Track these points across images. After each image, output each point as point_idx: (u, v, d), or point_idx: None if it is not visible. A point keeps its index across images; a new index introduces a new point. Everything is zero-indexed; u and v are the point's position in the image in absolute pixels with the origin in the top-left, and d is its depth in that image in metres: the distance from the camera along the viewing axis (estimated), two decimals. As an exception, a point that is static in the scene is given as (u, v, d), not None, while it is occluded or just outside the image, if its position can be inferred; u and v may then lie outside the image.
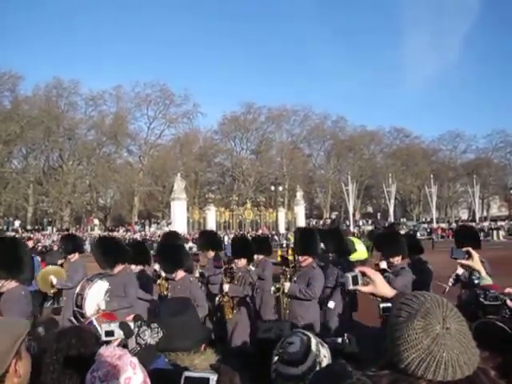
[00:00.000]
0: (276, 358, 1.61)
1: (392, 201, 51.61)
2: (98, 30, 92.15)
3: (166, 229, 42.18)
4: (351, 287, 1.84)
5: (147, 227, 45.08)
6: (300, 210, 50.51)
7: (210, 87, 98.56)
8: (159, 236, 39.96)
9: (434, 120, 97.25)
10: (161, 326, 1.63)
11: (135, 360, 1.39)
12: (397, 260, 5.35)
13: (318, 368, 1.60)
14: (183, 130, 60.41)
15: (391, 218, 44.91)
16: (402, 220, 52.70)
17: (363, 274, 1.85)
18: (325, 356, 1.66)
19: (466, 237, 5.28)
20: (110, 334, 1.59)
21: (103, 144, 55.20)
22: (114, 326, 1.59)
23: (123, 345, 1.59)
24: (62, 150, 53.25)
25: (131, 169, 55.95)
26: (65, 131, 52.46)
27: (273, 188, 45.45)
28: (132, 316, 1.66)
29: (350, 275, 1.85)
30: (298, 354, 1.61)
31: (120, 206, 59.22)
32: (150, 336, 1.54)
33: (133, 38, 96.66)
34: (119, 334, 1.59)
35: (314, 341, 1.65)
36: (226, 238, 36.14)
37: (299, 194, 51.10)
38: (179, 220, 42.39)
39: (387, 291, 1.79)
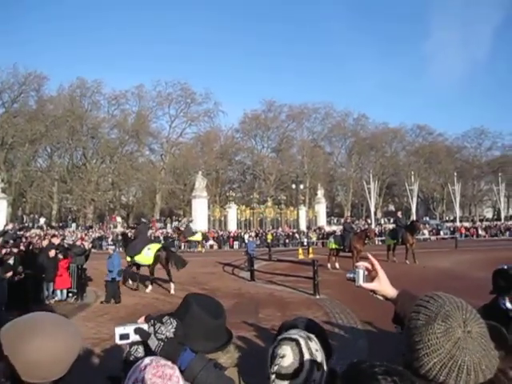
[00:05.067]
0: (274, 377, 1.60)
1: (414, 199, 50.94)
2: (121, 30, 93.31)
3: (188, 226, 42.52)
4: (361, 283, 1.79)
5: (169, 225, 45.45)
6: (321, 209, 50.26)
7: (231, 86, 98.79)
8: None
9: (457, 117, 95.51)
10: (193, 323, 1.65)
11: (177, 372, 1.40)
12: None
13: (315, 367, 1.59)
14: (204, 128, 60.80)
15: (413, 217, 44.27)
16: (424, 218, 51.88)
17: (368, 270, 1.80)
18: (316, 350, 1.64)
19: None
20: (124, 337, 1.60)
21: (126, 142, 55.91)
22: (129, 329, 1.60)
23: (144, 345, 1.61)
24: (85, 148, 54.12)
25: (153, 167, 56.54)
26: (88, 130, 53.33)
27: (294, 186, 45.29)
28: (143, 317, 1.67)
29: (361, 270, 1.80)
30: (293, 365, 1.58)
31: (142, 203, 59.95)
32: (166, 330, 1.56)
33: (154, 38, 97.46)
34: (134, 337, 1.60)
35: (302, 342, 1.63)
36: (246, 236, 36.26)
37: (320, 192, 50.85)
38: (200, 218, 42.66)
39: (389, 290, 1.76)
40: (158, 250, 14.19)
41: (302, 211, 47.27)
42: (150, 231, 23.30)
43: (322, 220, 49.52)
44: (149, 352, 1.53)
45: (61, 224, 46.52)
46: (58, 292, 12.46)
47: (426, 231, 42.17)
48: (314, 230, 44.66)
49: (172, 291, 13.50)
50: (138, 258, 14.13)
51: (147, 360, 1.41)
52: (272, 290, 13.77)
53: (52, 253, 12.35)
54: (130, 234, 19.44)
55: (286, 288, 13.93)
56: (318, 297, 12.18)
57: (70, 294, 12.77)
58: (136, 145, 56.84)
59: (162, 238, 36.28)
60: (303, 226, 45.48)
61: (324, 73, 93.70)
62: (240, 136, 63.57)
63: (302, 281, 13.68)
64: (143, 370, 1.36)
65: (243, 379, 1.75)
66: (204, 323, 1.66)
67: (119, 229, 37.29)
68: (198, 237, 33.17)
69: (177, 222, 46.13)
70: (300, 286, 13.48)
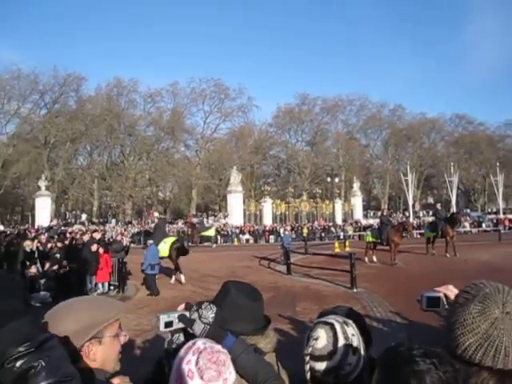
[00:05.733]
0: (308, 358, 1.61)
1: (454, 191, 49.48)
2: (154, 27, 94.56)
3: (223, 221, 42.93)
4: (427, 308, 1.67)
5: (205, 220, 46.04)
6: (357, 202, 49.66)
7: (264, 80, 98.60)
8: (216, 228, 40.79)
9: (498, 106, 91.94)
10: (232, 307, 1.70)
11: (229, 358, 1.41)
12: None
13: (350, 351, 1.60)
14: (238, 123, 61.07)
15: (453, 209, 43.05)
16: (465, 211, 50.37)
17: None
18: (353, 335, 1.64)
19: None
20: (169, 324, 1.65)
21: (161, 139, 56.88)
22: (173, 317, 1.65)
23: (184, 333, 1.65)
24: (123, 146, 55.44)
25: (188, 163, 57.27)
26: (125, 128, 54.58)
27: (329, 179, 44.84)
28: (183, 305, 1.72)
29: (427, 295, 1.66)
30: (327, 347, 1.59)
31: (178, 199, 60.97)
32: (208, 315, 1.60)
33: (187, 35, 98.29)
34: (178, 324, 1.64)
35: (337, 326, 1.63)
36: (281, 230, 36.28)
37: (356, 185, 50.23)
38: (236, 212, 42.98)
39: None
40: (173, 243, 14.94)
41: (338, 204, 46.85)
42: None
43: (358, 213, 48.92)
44: (190, 339, 1.57)
45: (101, 220, 47.90)
46: (100, 285, 12.86)
47: (466, 224, 41.00)
48: (351, 224, 44.21)
49: (183, 281, 14.28)
50: (161, 254, 14.52)
51: (200, 343, 1.41)
52: (308, 284, 13.73)
53: (94, 247, 12.76)
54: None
55: (323, 281, 13.84)
56: (355, 290, 12.06)
57: (112, 287, 13.16)
58: (171, 141, 57.72)
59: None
60: (339, 220, 45.08)
61: (358, 64, 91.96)
62: (274, 130, 63.51)
63: (338, 274, 13.56)
64: (197, 353, 1.37)
65: (281, 364, 1.78)
66: (243, 306, 1.71)
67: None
68: (211, 232, 33.44)
69: (213, 217, 46.67)
70: (337, 280, 13.37)
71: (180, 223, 40.62)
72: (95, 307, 1.47)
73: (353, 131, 63.66)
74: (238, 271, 16.51)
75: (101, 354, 1.43)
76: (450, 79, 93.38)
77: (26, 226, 37.34)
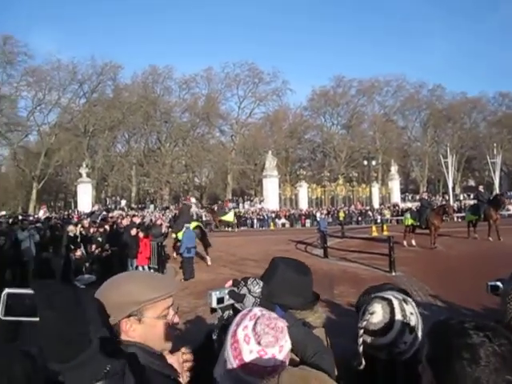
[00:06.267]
0: (362, 331, 1.60)
1: (497, 173, 47.66)
2: (185, 14, 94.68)
3: (259, 206, 43.10)
4: None
5: (241, 204, 46.33)
6: (395, 185, 48.74)
7: (299, 64, 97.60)
8: (252, 213, 41.02)
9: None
10: (281, 281, 1.72)
11: (286, 326, 1.36)
12: None
13: (407, 329, 1.57)
14: (273, 107, 60.76)
15: (496, 191, 41.57)
16: (509, 193, 48.49)
17: None
18: (411, 313, 1.61)
19: None
20: (220, 300, 1.68)
21: (197, 125, 57.37)
22: (223, 293, 1.67)
23: (233, 309, 1.68)
24: (159, 132, 56.29)
25: (224, 148, 57.58)
26: (161, 115, 55.31)
27: (365, 163, 44.12)
28: (231, 281, 1.74)
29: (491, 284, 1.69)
30: (382, 323, 1.57)
31: (214, 184, 61.57)
32: (257, 288, 1.62)
33: (220, 20, 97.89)
34: (229, 300, 1.67)
35: (395, 302, 1.60)
36: (318, 214, 36.09)
37: (394, 169, 49.25)
38: (271, 197, 43.05)
39: None
40: (195, 228, 15.31)
41: (375, 188, 46.13)
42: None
43: (395, 197, 48.03)
44: None
45: (140, 205, 48.99)
46: (140, 268, 13.21)
47: (510, 206, 39.57)
48: (388, 207, 43.50)
49: (209, 263, 14.89)
50: (180, 235, 14.74)
51: (256, 310, 1.38)
52: (346, 267, 13.66)
53: (133, 231, 13.09)
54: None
55: (360, 265, 13.73)
56: (394, 274, 11.90)
57: (152, 270, 13.50)
58: (207, 127, 58.13)
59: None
60: (376, 204, 44.41)
61: (394, 44, 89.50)
62: (309, 114, 62.88)
63: (376, 258, 13.43)
64: (254, 318, 1.33)
65: (330, 340, 1.79)
66: (291, 280, 1.72)
67: (194, 209, 38.49)
68: (229, 216, 33.57)
69: (248, 202, 46.90)
70: (375, 263, 13.24)
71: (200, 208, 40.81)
72: (141, 285, 1.42)
73: (390, 113, 62.20)
74: (274, 255, 16.30)
75: (140, 333, 1.39)
76: (491, 57, 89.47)
77: (69, 211, 38.70)
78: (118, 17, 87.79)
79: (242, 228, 37.14)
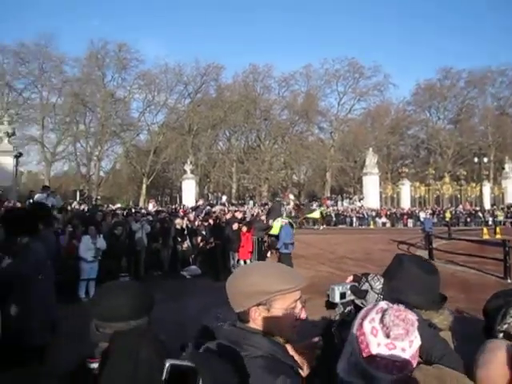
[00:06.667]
0: (501, 335, 1.47)
1: None
2: (286, 12, 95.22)
3: (358, 204, 42.15)
4: None
5: (339, 202, 45.62)
6: (509, 184, 44.72)
7: (401, 57, 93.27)
8: (351, 210, 40.20)
9: None
10: (405, 277, 1.66)
11: (416, 320, 1.29)
12: None
13: None
14: (374, 102, 58.87)
15: None
16: None
17: None
18: None
19: None
20: (343, 295, 1.67)
21: (296, 123, 57.51)
22: (345, 288, 1.66)
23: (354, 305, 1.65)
24: (259, 130, 57.37)
25: (323, 145, 57.06)
26: (261, 113, 56.29)
27: (476, 160, 41.08)
28: (351, 277, 1.72)
29: None
30: None
31: (313, 181, 61.36)
32: (378, 284, 1.59)
33: (319, 13, 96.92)
34: (350, 296, 1.65)
35: None
36: (422, 214, 34.33)
37: (508, 166, 45.20)
38: (372, 195, 41.86)
39: None
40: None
41: (486, 187, 42.75)
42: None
43: (510, 197, 44.07)
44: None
45: (240, 201, 50.39)
46: (242, 262, 13.60)
47: None
48: (502, 209, 40.10)
49: None
50: (276, 231, 14.76)
51: (383, 303, 1.32)
52: (453, 271, 12.83)
53: (235, 226, 13.51)
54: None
55: (470, 269, 12.85)
56: (509, 281, 10.97)
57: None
58: (306, 124, 58.00)
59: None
60: (487, 204, 41.14)
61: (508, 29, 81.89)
62: (412, 108, 59.98)
63: (488, 262, 12.49)
64: (381, 311, 1.28)
65: (457, 345, 1.69)
66: (416, 277, 1.65)
67: (292, 205, 38.74)
68: (316, 214, 32.98)
69: (347, 200, 46.06)
70: (486, 268, 12.31)
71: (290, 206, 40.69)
72: (272, 276, 1.45)
73: (505, 105, 57.08)
74: (374, 254, 16.08)
75: (267, 322, 1.44)
76: None
77: (174, 205, 41.00)
78: (219, 19, 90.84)
79: (340, 226, 36.54)
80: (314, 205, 38.76)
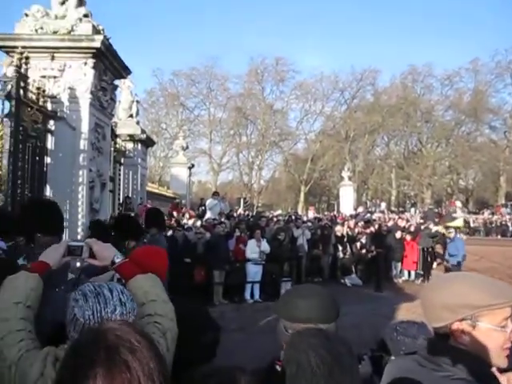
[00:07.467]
0: None
1: None
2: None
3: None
4: None
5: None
6: None
7: None
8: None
9: None
10: None
11: None
12: None
13: None
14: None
15: None
16: None
17: None
18: None
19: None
20: None
21: (462, 123, 53.07)
22: None
23: None
24: (420, 133, 54.35)
25: (495, 146, 51.50)
26: (422, 115, 53.32)
27: None
28: None
29: None
30: None
31: (483, 187, 55.57)
32: None
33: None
34: None
35: None
36: None
37: None
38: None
39: None
40: None
41: None
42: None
43: None
44: None
45: (400, 209, 48.23)
46: (406, 272, 12.97)
47: None
48: None
49: None
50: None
51: None
52: None
53: (398, 234, 12.95)
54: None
55: None
56: None
57: (418, 276, 13.07)
58: (474, 124, 52.99)
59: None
60: None
61: None
62: None
63: None
64: None
65: None
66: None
67: (459, 214, 35.71)
68: (458, 223, 29.07)
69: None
70: None
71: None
72: (478, 289, 1.30)
73: None
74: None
75: (472, 341, 1.27)
76: None
77: (333, 212, 41.07)
78: (376, 24, 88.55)
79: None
80: (459, 211, 35.40)
